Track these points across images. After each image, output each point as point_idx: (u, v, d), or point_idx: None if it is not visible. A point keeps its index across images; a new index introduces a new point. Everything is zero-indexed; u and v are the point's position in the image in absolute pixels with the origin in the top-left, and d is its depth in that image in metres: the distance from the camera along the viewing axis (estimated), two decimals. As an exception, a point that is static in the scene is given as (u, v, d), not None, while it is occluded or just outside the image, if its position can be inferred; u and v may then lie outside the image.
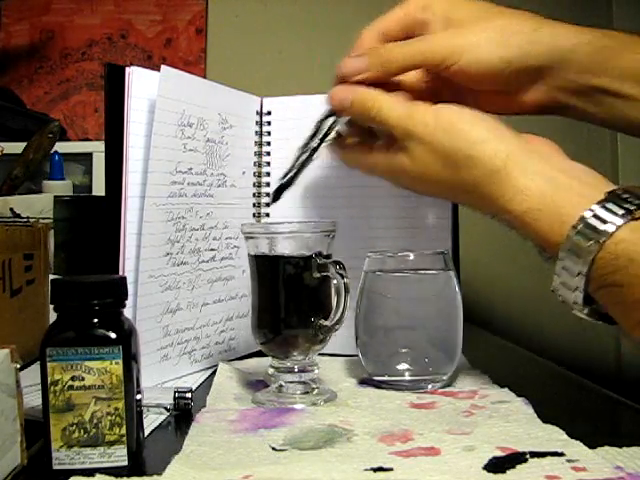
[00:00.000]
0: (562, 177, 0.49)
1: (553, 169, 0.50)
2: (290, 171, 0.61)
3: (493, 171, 0.51)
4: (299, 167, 0.61)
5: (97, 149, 1.07)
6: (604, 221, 0.45)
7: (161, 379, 0.64)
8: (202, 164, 0.68)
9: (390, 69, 0.57)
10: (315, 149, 0.61)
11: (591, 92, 0.56)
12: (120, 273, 0.61)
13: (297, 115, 0.76)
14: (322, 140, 0.60)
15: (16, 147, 1.02)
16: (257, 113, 0.77)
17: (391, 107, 0.55)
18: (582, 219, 0.46)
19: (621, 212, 0.45)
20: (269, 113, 0.77)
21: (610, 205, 0.45)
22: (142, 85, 0.62)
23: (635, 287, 0.45)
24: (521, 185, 0.49)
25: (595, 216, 0.45)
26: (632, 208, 0.45)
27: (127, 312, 0.46)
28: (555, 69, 0.56)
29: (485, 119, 0.53)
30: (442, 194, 0.58)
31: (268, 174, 0.77)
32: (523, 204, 0.49)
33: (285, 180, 0.62)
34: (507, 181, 0.50)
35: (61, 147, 1.07)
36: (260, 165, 0.77)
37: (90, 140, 1.21)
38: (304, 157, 0.61)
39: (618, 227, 0.44)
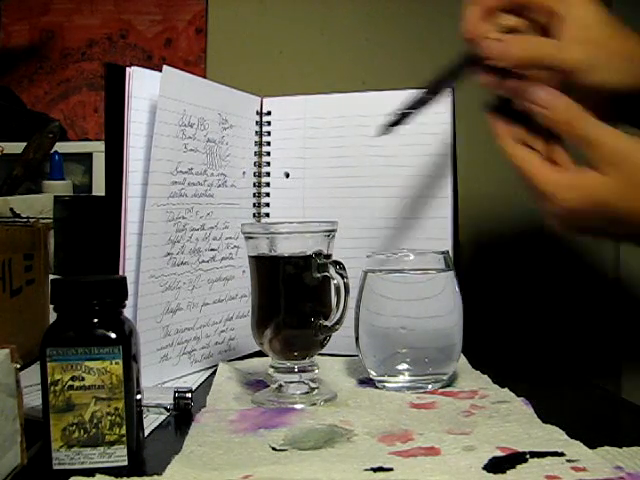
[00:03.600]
0: None
1: None
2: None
3: None
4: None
5: (97, 149, 1.07)
6: None
7: (161, 379, 0.64)
8: (203, 164, 0.68)
9: (529, 65, 0.55)
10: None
11: None
12: (120, 273, 0.61)
13: (297, 115, 0.76)
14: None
15: (16, 147, 1.02)
16: (257, 113, 0.77)
17: (597, 124, 0.52)
18: None
19: None
20: (269, 113, 0.77)
21: None
22: (142, 85, 0.62)
23: None
24: None
25: None
26: None
27: (127, 312, 0.46)
28: None
29: None
30: (619, 231, 0.54)
31: (268, 174, 0.77)
32: None
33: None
34: None
35: (61, 147, 1.06)
36: (260, 165, 0.77)
37: (90, 140, 1.20)
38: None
39: None
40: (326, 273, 0.55)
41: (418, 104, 0.58)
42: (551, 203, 0.53)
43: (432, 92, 0.58)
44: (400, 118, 0.59)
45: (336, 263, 0.55)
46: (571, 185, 0.52)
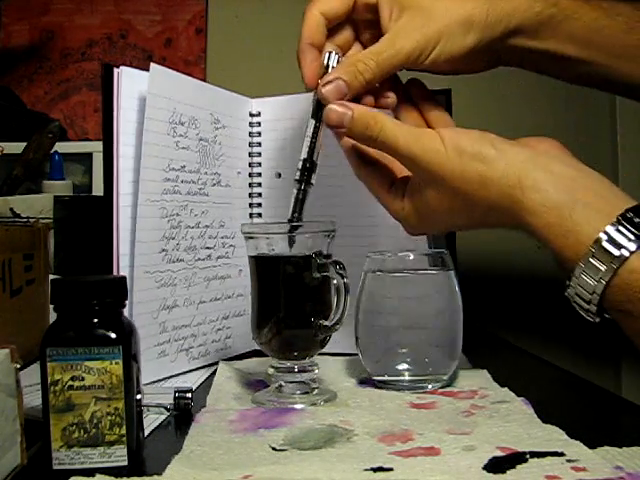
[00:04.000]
0: (578, 190, 0.49)
1: (567, 180, 0.50)
2: (295, 207, 0.59)
3: (509, 187, 0.50)
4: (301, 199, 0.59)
5: (97, 149, 1.07)
6: (619, 245, 0.46)
7: (159, 375, 0.64)
8: (196, 163, 0.69)
9: (370, 81, 0.57)
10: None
11: (540, 54, 0.60)
12: (114, 269, 0.61)
13: (286, 115, 0.76)
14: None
15: (16, 147, 1.02)
16: (250, 114, 0.77)
17: (394, 127, 0.54)
18: (597, 241, 0.46)
19: (634, 237, 0.46)
20: (259, 114, 0.77)
21: (624, 229, 0.46)
22: (133, 84, 0.63)
23: None
24: (538, 201, 0.49)
25: (610, 240, 0.46)
26: None
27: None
28: (511, 39, 0.58)
29: (488, 137, 0.53)
30: (459, 223, 0.57)
31: (259, 174, 0.77)
32: (542, 219, 0.49)
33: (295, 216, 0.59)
34: (523, 198, 0.50)
35: (61, 147, 1.06)
36: (253, 166, 0.78)
37: (90, 140, 1.20)
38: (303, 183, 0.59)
39: (632, 253, 0.45)
40: (326, 273, 0.55)
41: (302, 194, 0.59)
42: (401, 222, 0.59)
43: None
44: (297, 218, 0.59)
45: (336, 263, 0.55)
46: (409, 213, 0.57)
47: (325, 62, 0.58)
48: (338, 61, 0.58)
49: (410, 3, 0.57)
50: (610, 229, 0.46)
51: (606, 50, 0.60)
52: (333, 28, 0.60)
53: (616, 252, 0.46)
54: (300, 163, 0.58)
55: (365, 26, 0.61)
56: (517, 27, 0.57)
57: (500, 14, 0.57)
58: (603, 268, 0.46)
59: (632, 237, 0.46)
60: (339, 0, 0.59)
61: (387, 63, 0.56)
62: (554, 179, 0.50)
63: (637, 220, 0.46)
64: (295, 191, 0.58)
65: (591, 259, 0.47)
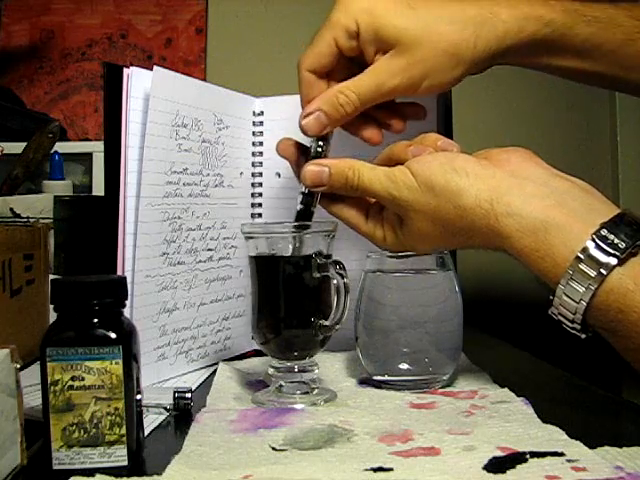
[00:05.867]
0: (552, 209, 0.49)
1: (539, 200, 0.50)
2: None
3: (484, 216, 0.51)
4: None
5: (97, 149, 1.07)
6: (597, 264, 0.46)
7: (158, 378, 0.64)
8: (198, 164, 0.68)
9: (350, 114, 0.57)
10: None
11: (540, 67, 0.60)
12: (119, 273, 0.61)
13: (289, 115, 0.76)
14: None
15: (16, 147, 1.02)
16: (254, 114, 0.77)
17: (370, 173, 0.55)
18: (573, 264, 0.47)
19: (610, 254, 0.46)
20: (261, 113, 0.77)
21: (598, 249, 0.46)
22: (140, 85, 0.62)
23: (629, 338, 0.46)
24: (512, 226, 0.50)
25: (586, 259, 0.46)
26: (622, 246, 0.46)
27: (124, 312, 0.46)
28: (504, 58, 0.58)
29: (457, 164, 0.53)
30: (443, 246, 0.58)
31: (261, 174, 0.77)
32: (519, 243, 0.50)
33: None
34: (497, 225, 0.50)
35: (61, 147, 1.07)
36: (255, 165, 0.77)
37: (90, 140, 1.20)
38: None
39: (611, 270, 0.45)
40: (326, 273, 0.55)
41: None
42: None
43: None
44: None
45: (336, 263, 0.55)
46: (388, 243, 0.58)
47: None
48: None
49: (393, 42, 0.56)
50: (586, 248, 0.46)
51: (609, 62, 0.59)
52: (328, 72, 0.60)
53: (593, 273, 0.46)
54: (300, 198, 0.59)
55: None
56: (509, 48, 0.57)
57: (489, 40, 0.56)
58: (581, 290, 0.46)
59: (608, 254, 0.46)
60: (323, 54, 0.59)
61: (368, 97, 0.57)
62: (526, 201, 0.50)
63: (611, 237, 0.46)
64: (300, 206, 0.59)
65: (569, 281, 0.47)
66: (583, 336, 0.49)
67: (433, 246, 0.57)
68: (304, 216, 0.59)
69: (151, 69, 0.63)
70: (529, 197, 0.50)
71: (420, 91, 0.57)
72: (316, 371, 0.58)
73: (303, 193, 0.59)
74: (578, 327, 0.48)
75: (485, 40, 0.56)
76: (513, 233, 0.50)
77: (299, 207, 0.59)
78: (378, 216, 0.58)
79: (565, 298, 0.48)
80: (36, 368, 0.43)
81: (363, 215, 0.58)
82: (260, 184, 0.77)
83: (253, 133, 0.77)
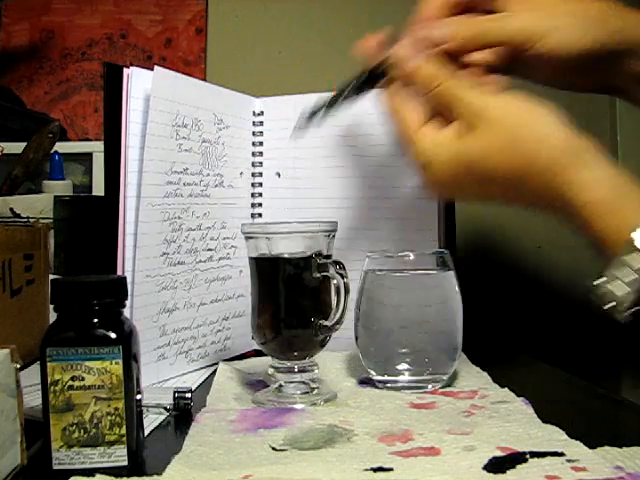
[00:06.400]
0: (623, 181, 0.49)
1: (613, 170, 0.49)
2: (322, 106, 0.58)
3: (560, 160, 0.50)
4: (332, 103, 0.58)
5: (97, 149, 1.07)
6: None
7: (158, 378, 0.64)
8: (198, 164, 0.68)
9: (475, 44, 0.56)
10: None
11: None
12: (119, 273, 0.61)
13: (289, 115, 0.76)
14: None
15: (16, 147, 1.02)
16: (254, 114, 0.77)
17: (460, 85, 0.53)
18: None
19: None
20: (261, 113, 0.77)
21: None
22: (140, 85, 0.63)
23: None
24: (585, 179, 0.49)
25: None
26: None
27: (124, 312, 0.46)
28: (624, 56, 0.57)
29: (551, 113, 0.52)
30: (493, 189, 0.54)
31: (261, 174, 0.77)
32: (586, 197, 0.49)
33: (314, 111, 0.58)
34: (572, 172, 0.49)
35: (61, 147, 1.06)
36: (255, 165, 0.77)
37: (90, 140, 1.20)
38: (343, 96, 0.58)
39: None
40: (326, 273, 0.55)
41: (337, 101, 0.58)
42: (426, 169, 0.54)
43: (354, 90, 0.58)
44: (316, 115, 0.59)
45: (336, 263, 0.55)
46: (442, 146, 0.53)
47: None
48: None
49: None
50: None
51: None
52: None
53: None
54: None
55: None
56: (632, 45, 0.56)
57: (620, 26, 0.56)
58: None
59: None
60: None
61: (493, 33, 0.55)
62: (602, 166, 0.50)
63: None
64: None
65: (631, 253, 0.46)
66: (624, 315, 0.47)
67: (485, 177, 0.53)
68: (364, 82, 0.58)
69: (151, 69, 0.63)
70: (605, 163, 0.50)
71: (538, 47, 0.55)
72: (316, 371, 0.58)
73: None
74: (625, 305, 0.47)
75: (616, 24, 0.56)
76: (586, 184, 0.49)
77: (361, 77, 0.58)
78: (437, 125, 0.55)
79: (619, 271, 0.46)
80: (36, 368, 0.43)
81: (422, 119, 0.55)
82: (260, 184, 0.77)
83: (253, 133, 0.77)
